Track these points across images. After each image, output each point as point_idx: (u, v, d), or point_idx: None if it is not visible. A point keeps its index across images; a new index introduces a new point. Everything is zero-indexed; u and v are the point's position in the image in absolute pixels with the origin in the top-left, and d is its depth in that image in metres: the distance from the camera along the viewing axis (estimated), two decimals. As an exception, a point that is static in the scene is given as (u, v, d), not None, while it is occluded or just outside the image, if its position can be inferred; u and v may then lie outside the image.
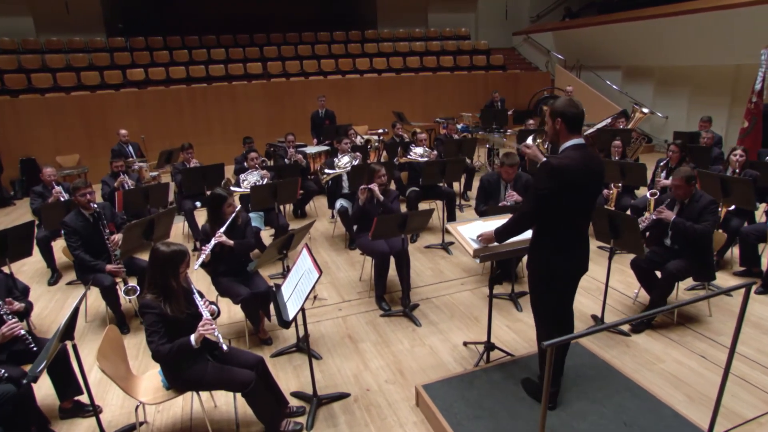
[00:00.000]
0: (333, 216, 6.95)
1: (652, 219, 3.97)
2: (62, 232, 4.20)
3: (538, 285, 2.77)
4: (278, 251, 3.57)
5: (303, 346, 3.78)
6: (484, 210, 4.86)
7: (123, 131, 7.80)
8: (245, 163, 6.67)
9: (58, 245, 5.58)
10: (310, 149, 7.99)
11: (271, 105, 11.35)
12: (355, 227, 4.98)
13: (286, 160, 6.98)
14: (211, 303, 2.86)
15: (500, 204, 4.77)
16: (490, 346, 3.50)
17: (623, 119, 8.29)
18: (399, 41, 14.16)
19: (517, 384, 3.14)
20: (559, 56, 13.64)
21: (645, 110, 8.50)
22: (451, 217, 6.16)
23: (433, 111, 12.34)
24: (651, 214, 4.01)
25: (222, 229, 3.74)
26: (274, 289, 3.08)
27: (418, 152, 6.17)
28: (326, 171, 5.82)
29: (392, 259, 4.46)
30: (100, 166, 9.09)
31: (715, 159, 6.34)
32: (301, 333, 3.86)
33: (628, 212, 5.45)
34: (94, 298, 4.67)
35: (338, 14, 15.56)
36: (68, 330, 2.59)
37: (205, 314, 2.61)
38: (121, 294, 4.04)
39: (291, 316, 2.66)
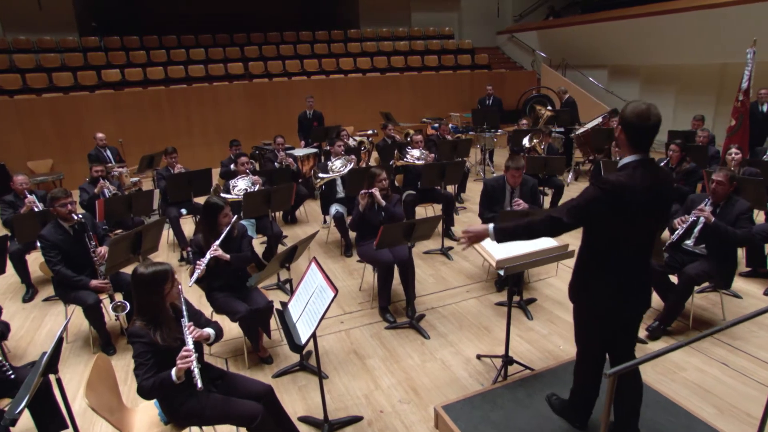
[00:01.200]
0: (325, 221, 6.70)
1: (691, 220, 3.79)
2: (39, 245, 3.86)
3: (579, 318, 2.46)
4: (281, 265, 3.32)
5: (308, 365, 3.54)
6: (491, 217, 4.67)
7: (100, 135, 7.39)
8: (232, 167, 6.38)
9: (33, 258, 5.21)
10: (299, 152, 7.71)
11: (253, 106, 11.03)
12: (353, 234, 4.75)
13: (276, 163, 6.70)
14: (209, 324, 2.58)
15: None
16: (508, 360, 3.31)
17: (616, 118, 8.23)
18: (383, 40, 13.96)
19: (543, 401, 2.95)
20: (544, 55, 13.63)
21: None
22: (450, 222, 5.97)
23: (420, 111, 12.18)
24: (691, 215, 3.82)
25: (218, 242, 3.47)
26: (281, 308, 2.82)
27: (414, 155, 5.96)
28: (320, 175, 5.56)
29: (395, 268, 4.25)
30: (75, 171, 8.65)
31: (712, 158, 6.30)
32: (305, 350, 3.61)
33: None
34: (75, 315, 4.33)
35: (319, 13, 15.30)
36: (51, 362, 2.30)
37: (188, 342, 2.30)
38: (110, 311, 3.72)
39: (303, 340, 2.41)
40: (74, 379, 3.57)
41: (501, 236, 2.30)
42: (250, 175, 5.26)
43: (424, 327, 4.07)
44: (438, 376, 3.46)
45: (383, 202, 4.34)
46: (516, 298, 4.45)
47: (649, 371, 3.43)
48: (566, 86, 11.69)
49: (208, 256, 3.41)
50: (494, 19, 15.45)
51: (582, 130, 8.36)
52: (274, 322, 3.84)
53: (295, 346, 2.43)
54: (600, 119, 8.43)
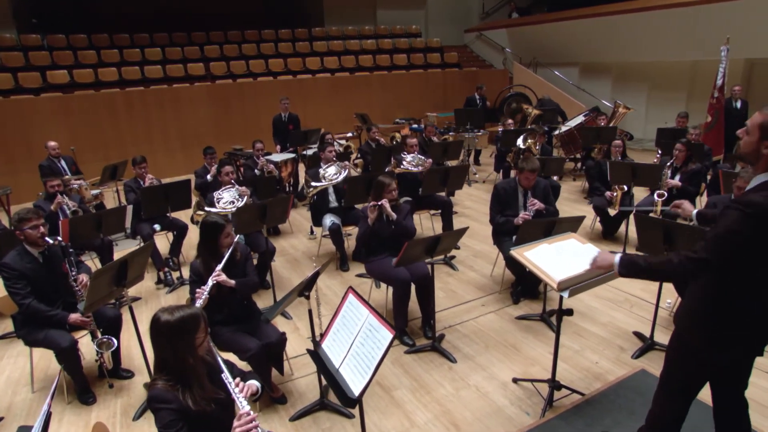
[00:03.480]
0: (312, 232, 6.25)
1: None
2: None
3: (680, 353, 2.15)
4: (300, 294, 2.88)
5: (329, 403, 3.11)
6: (503, 221, 4.38)
7: (52, 143, 6.61)
8: (208, 177, 5.83)
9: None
10: (277, 157, 7.19)
11: (217, 109, 10.35)
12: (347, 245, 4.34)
13: (256, 170, 6.18)
14: (245, 376, 2.13)
15: (521, 214, 4.30)
16: (556, 385, 3.01)
17: (604, 116, 8.19)
18: (349, 39, 13.51)
19: (604, 430, 2.67)
20: (510, 52, 13.59)
21: (629, 106, 8.47)
22: (449, 228, 5.66)
23: (393, 111, 11.83)
24: None
25: (220, 266, 2.99)
26: (312, 349, 2.39)
27: (410, 161, 5.59)
28: (313, 184, 5.10)
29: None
30: (22, 185, 7.75)
31: (705, 155, 6.30)
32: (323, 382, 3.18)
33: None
34: (40, 356, 3.72)
35: (281, 10, 14.67)
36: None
37: (242, 405, 1.85)
38: (93, 350, 3.17)
39: (357, 392, 2.00)
40: (48, 438, 2.98)
41: (626, 270, 2.06)
42: (236, 186, 4.74)
43: (447, 348, 3.72)
44: (477, 407, 3.11)
45: (394, 215, 3.96)
46: (533, 309, 4.21)
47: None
48: (539, 84, 11.69)
49: (210, 282, 2.93)
50: (461, 16, 15.33)
51: (565, 128, 8.27)
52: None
53: (348, 400, 2.00)
54: (583, 117, 8.37)
